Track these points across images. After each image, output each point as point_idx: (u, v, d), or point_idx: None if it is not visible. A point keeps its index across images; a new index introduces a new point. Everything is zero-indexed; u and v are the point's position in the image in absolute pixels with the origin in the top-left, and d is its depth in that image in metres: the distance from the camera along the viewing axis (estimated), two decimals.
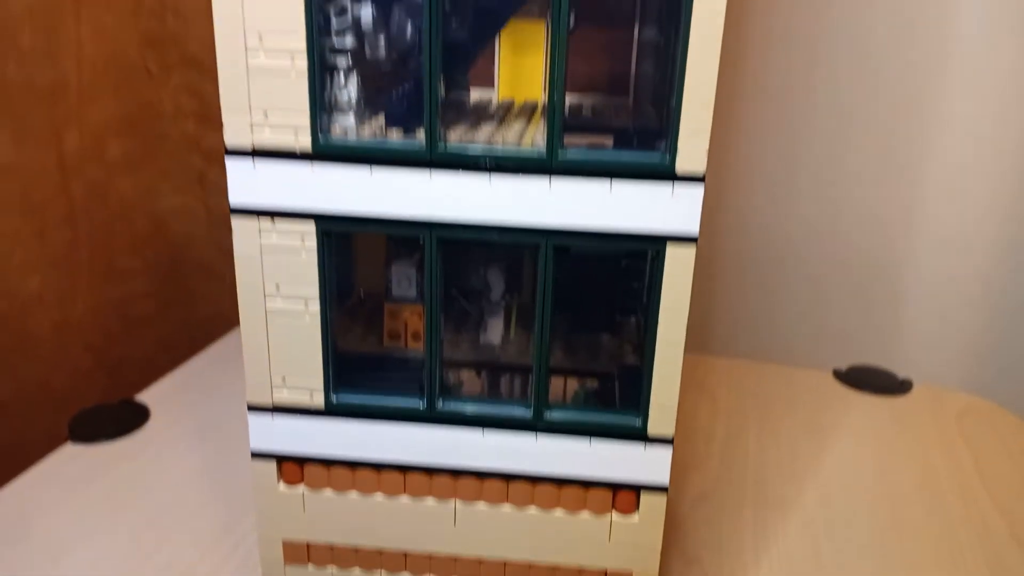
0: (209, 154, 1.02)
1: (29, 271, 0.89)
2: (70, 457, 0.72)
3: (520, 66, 0.58)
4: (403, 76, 0.50)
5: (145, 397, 0.82)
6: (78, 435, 0.74)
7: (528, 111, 0.57)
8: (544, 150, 0.47)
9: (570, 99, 0.59)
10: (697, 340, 1.01)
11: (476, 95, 0.59)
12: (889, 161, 0.93)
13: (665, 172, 0.46)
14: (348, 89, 0.49)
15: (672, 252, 0.48)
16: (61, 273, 0.92)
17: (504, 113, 0.56)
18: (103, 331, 0.98)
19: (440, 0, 0.44)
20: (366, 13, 0.48)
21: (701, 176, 0.46)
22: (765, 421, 0.82)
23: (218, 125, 1.11)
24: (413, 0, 0.48)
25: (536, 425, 0.52)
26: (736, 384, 0.89)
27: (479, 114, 0.55)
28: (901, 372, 0.92)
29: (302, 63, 0.46)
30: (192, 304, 1.08)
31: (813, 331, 1.01)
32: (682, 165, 0.46)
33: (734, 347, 1.02)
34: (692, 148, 0.45)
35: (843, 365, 0.93)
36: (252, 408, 0.53)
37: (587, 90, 0.59)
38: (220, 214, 1.04)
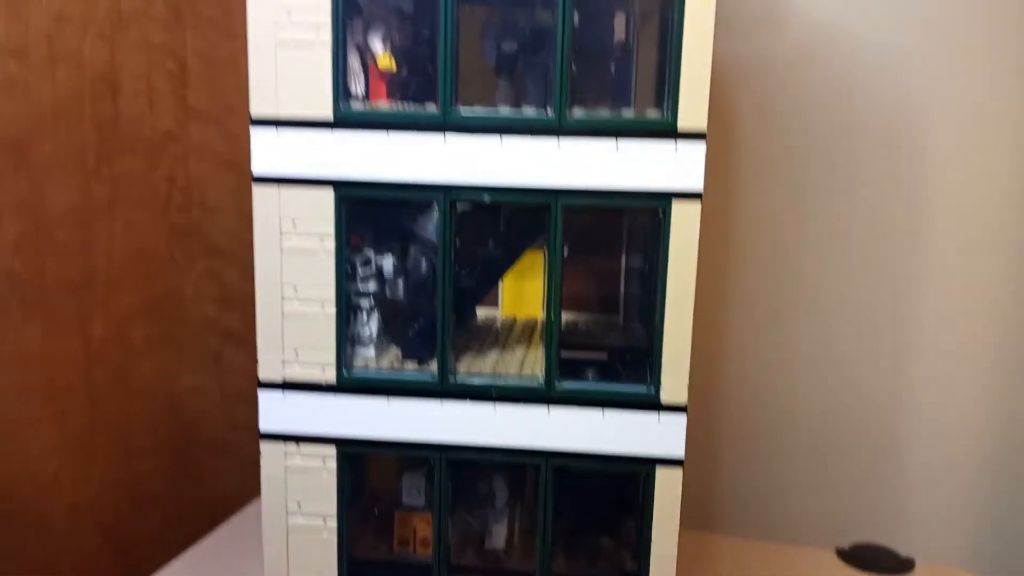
0: (226, 334, 1.10)
1: (47, 455, 0.95)
2: None
3: (521, 289, 0.67)
4: (418, 312, 0.59)
5: None
6: None
7: (529, 330, 0.65)
8: (543, 380, 0.55)
9: (566, 316, 0.67)
10: (699, 517, 1.05)
11: (482, 313, 0.67)
12: (882, 337, 1.01)
13: (651, 402, 0.54)
14: (370, 326, 0.57)
15: (661, 474, 0.54)
16: (78, 456, 0.98)
17: (507, 333, 0.64)
18: (113, 511, 1.02)
19: (450, 258, 0.53)
20: (387, 263, 0.57)
21: (683, 406, 0.54)
22: None
23: (235, 307, 1.19)
24: (430, 253, 0.57)
25: None
26: (740, 564, 0.92)
27: (485, 335, 0.63)
28: (904, 547, 0.96)
29: (331, 309, 0.55)
30: (200, 481, 1.13)
31: (815, 506, 1.05)
32: (666, 397, 0.54)
33: (736, 523, 1.06)
34: (674, 384, 0.53)
35: (846, 540, 0.97)
36: None
37: (582, 309, 0.68)
38: (233, 392, 1.12)
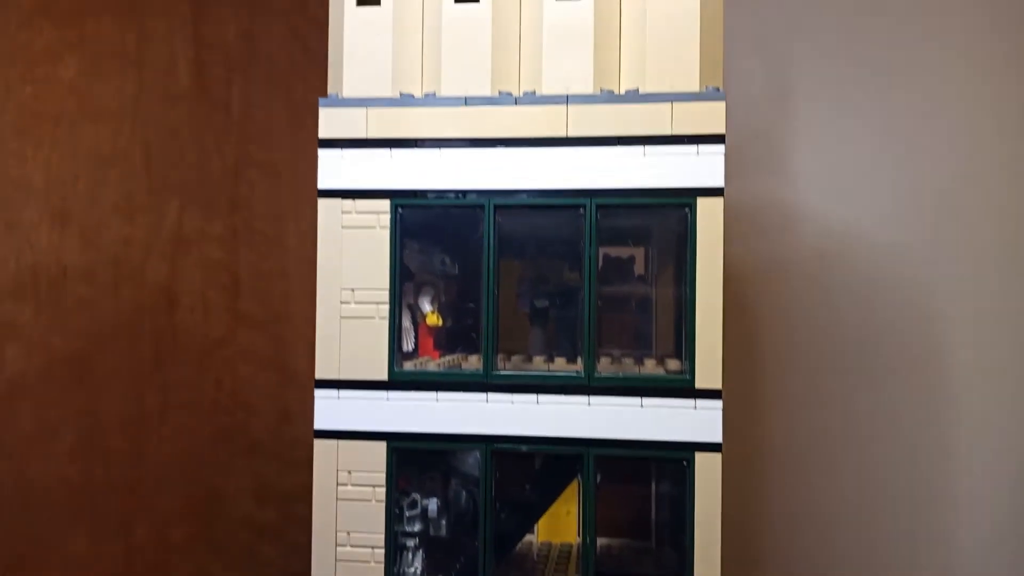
0: (260, 530, 1.15)
1: None
2: None
3: (557, 515, 0.72)
4: (460, 549, 0.64)
5: None
6: None
7: (564, 558, 0.70)
8: None
9: (600, 542, 0.72)
10: None
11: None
12: (919, 542, 1.04)
13: None
14: (415, 565, 0.63)
15: None
16: None
17: (544, 561, 0.69)
18: None
19: (491, 500, 0.59)
20: (432, 503, 0.63)
21: None
22: None
23: (271, 503, 1.24)
24: (471, 487, 0.63)
25: None
26: None
27: (522, 564, 0.68)
28: None
29: (380, 552, 0.60)
30: None
31: None
32: None
33: None
34: None
35: None
36: None
37: (615, 535, 0.73)
38: None
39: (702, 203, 0.57)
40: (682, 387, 0.58)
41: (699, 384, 0.57)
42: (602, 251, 0.75)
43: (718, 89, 0.57)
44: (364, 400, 0.60)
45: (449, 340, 0.67)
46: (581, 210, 0.59)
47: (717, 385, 0.57)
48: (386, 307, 0.59)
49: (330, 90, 0.60)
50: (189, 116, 1.10)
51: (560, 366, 0.65)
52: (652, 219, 0.69)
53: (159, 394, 1.08)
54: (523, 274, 0.69)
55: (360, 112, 0.59)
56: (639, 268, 0.77)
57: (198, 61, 1.10)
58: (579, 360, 0.60)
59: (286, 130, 1.18)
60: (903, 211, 1.11)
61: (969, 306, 1.08)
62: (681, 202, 0.58)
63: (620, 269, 0.75)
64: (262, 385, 1.18)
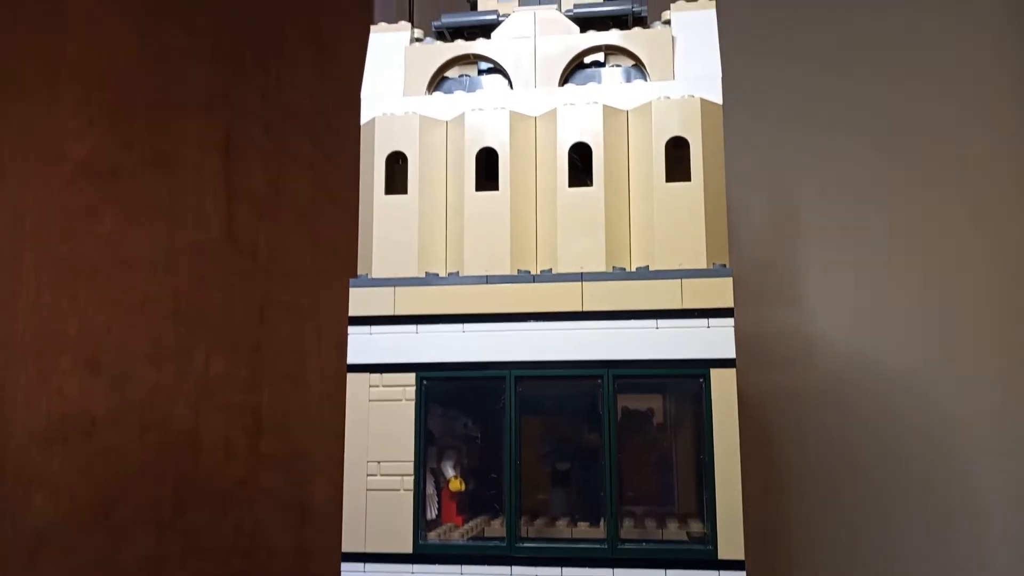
0: None
1: None
2: None
3: None
4: None
5: None
6: None
7: None
8: None
9: None
10: None
11: None
12: None
13: None
14: None
15: None
16: None
17: None
18: None
19: None
20: None
21: None
22: None
23: None
24: None
25: None
26: None
27: None
28: None
29: None
30: None
31: None
32: None
33: None
34: None
35: None
36: None
37: None
38: None
39: (715, 374, 0.60)
40: (705, 559, 0.58)
41: (722, 555, 0.58)
42: (621, 402, 0.78)
43: (725, 266, 0.60)
44: (389, 574, 0.61)
45: (472, 505, 0.68)
46: (599, 380, 0.62)
47: (740, 556, 0.58)
48: (411, 479, 0.61)
49: (360, 270, 0.64)
50: (217, 263, 1.15)
51: (583, 531, 0.66)
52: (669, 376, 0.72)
53: (180, 538, 1.09)
54: (544, 434, 0.71)
55: (388, 291, 0.63)
56: (658, 418, 0.79)
57: (228, 211, 1.16)
58: (602, 523, 0.62)
59: (310, 270, 1.23)
60: (914, 337, 1.13)
61: (982, 422, 1.08)
62: (694, 372, 0.60)
63: (639, 421, 0.77)
64: (281, 524, 1.19)
